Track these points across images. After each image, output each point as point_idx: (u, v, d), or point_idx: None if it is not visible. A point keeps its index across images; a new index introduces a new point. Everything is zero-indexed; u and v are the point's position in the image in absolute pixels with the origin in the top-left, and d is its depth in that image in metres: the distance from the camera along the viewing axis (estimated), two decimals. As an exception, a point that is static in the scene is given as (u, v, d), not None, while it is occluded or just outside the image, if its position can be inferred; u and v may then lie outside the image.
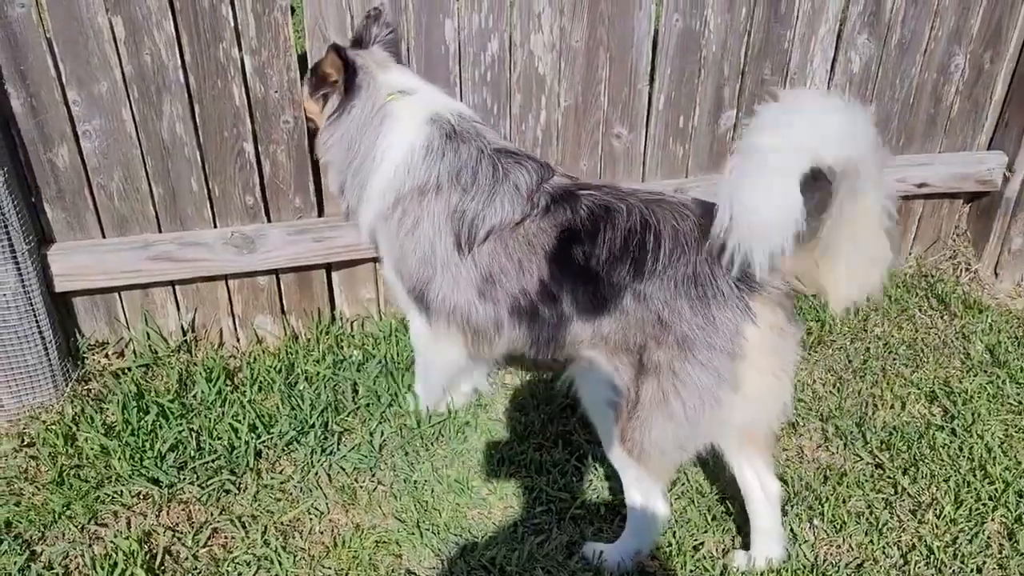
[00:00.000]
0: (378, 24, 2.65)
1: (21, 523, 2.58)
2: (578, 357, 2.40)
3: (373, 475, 2.82)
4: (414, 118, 2.50)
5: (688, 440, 2.28)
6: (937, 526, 2.66)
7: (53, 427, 2.88)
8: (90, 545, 2.54)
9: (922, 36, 3.44)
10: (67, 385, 3.02)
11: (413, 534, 2.61)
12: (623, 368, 2.26)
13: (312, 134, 2.84)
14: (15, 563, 2.43)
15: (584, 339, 2.32)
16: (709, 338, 2.11)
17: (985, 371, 3.34)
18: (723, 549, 2.59)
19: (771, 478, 2.48)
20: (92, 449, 2.80)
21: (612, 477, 2.83)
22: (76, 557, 2.51)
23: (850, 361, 3.38)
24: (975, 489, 2.78)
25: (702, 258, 2.12)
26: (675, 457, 2.37)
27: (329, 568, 2.50)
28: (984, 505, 2.73)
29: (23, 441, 2.87)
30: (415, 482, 2.79)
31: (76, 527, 2.58)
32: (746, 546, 2.56)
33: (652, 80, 3.27)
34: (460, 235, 2.42)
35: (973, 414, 3.09)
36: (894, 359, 3.40)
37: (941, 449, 2.94)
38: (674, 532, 2.61)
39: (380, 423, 2.98)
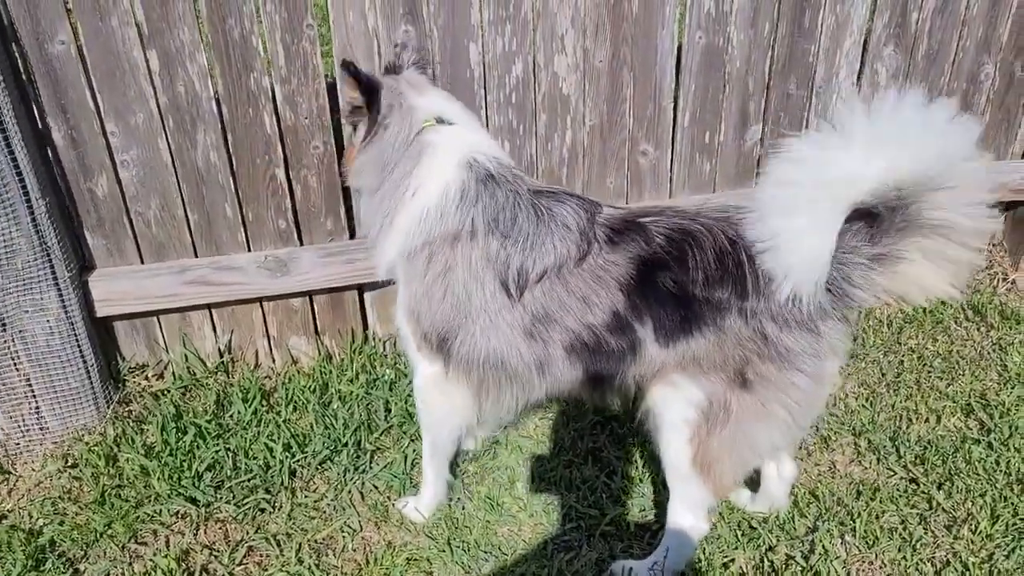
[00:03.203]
0: (407, 51, 2.62)
1: (65, 542, 2.66)
2: (651, 384, 2.34)
3: (405, 493, 2.86)
4: (451, 157, 2.37)
5: (788, 440, 2.42)
6: (973, 542, 2.63)
7: (95, 448, 2.96)
8: (130, 563, 2.61)
9: (949, 46, 3.42)
10: (109, 407, 3.11)
11: (444, 551, 2.64)
12: (710, 385, 2.25)
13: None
14: (59, 581, 2.52)
15: (668, 363, 2.27)
16: (812, 347, 2.18)
17: (1023, 383, 3.28)
18: (754, 566, 2.58)
19: (788, 462, 2.66)
20: (133, 469, 2.88)
21: (642, 495, 2.84)
22: (117, 575, 2.58)
23: (883, 374, 3.35)
24: (1012, 504, 2.73)
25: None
26: (751, 466, 2.45)
27: (361, 585, 2.55)
28: (1022, 520, 2.68)
29: (67, 462, 2.96)
30: (446, 499, 2.82)
31: (117, 546, 2.66)
32: (770, 559, 2.56)
33: (676, 97, 3.29)
34: (507, 280, 2.32)
35: (1010, 427, 3.05)
36: (929, 372, 3.36)
37: (977, 463, 2.90)
38: (704, 548, 2.60)
39: (412, 441, 3.02)
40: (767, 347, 2.18)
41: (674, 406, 2.31)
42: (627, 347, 2.29)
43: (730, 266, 2.17)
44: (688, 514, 2.45)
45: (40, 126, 2.77)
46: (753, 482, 2.75)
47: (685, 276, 2.20)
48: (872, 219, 2.07)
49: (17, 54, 2.64)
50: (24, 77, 2.69)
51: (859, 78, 3.41)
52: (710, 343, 2.21)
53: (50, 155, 2.83)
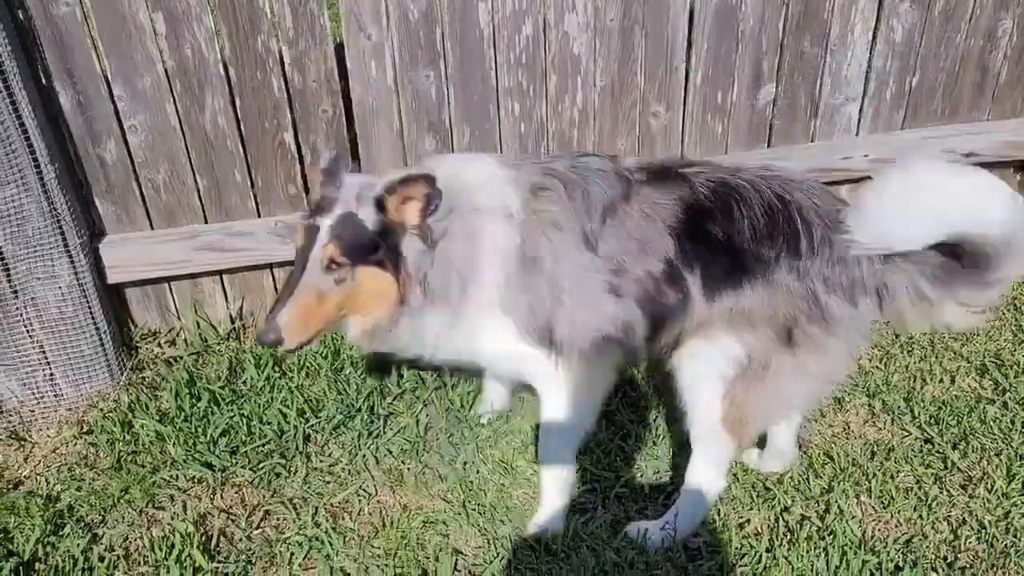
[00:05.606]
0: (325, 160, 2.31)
1: (83, 507, 2.68)
2: (690, 338, 2.29)
3: (419, 457, 2.86)
4: (495, 185, 2.27)
5: (812, 403, 2.55)
6: (988, 500, 2.62)
7: (110, 415, 2.97)
8: (148, 528, 2.63)
9: (967, 2, 3.35)
10: (122, 374, 3.11)
11: (459, 514, 2.65)
12: (754, 341, 2.23)
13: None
14: (78, 545, 2.52)
15: (712, 316, 2.24)
16: (850, 318, 2.20)
17: (1038, 343, 3.27)
18: (769, 526, 2.58)
19: None
20: (148, 435, 2.88)
21: (656, 457, 2.84)
22: (135, 539, 2.59)
23: (897, 336, 3.33)
24: (1028, 462, 2.73)
25: (845, 240, 2.15)
26: (775, 424, 2.55)
27: (378, 548, 2.55)
28: (1038, 479, 2.68)
29: (82, 428, 2.97)
30: (460, 463, 2.83)
31: (135, 510, 2.67)
32: (786, 521, 2.56)
33: (689, 57, 3.24)
34: (585, 230, 2.23)
35: (1025, 386, 3.04)
36: (943, 333, 3.35)
37: (992, 423, 2.89)
38: (719, 509, 2.61)
39: (425, 406, 3.03)
40: (816, 308, 2.18)
41: (711, 362, 2.29)
42: (682, 297, 2.25)
43: (781, 222, 2.17)
44: (711, 469, 2.46)
45: (47, 91, 2.74)
46: (759, 440, 2.74)
47: (731, 228, 2.19)
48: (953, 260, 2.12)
49: (23, 17, 2.61)
50: (30, 41, 2.66)
51: (874, 35, 3.35)
52: (759, 297, 2.20)
53: (58, 120, 2.80)
